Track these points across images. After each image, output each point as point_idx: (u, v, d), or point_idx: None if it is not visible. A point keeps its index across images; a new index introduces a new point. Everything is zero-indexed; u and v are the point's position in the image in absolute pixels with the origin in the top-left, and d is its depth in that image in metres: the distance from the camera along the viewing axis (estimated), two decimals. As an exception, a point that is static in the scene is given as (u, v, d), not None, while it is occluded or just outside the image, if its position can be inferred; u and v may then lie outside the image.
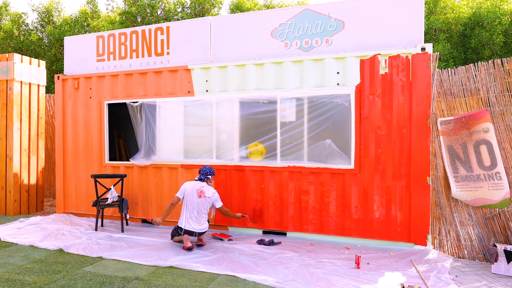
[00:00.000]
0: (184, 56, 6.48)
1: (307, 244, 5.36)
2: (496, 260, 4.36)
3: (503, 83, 4.92)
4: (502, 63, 4.94)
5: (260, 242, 5.38)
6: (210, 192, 5.28)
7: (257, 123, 5.94)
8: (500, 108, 4.93)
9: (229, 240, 5.54)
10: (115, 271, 4.30)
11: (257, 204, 5.94)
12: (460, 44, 11.02)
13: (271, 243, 5.33)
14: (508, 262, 4.28)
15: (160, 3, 13.82)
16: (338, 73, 5.50)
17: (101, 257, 4.80)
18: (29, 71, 7.69)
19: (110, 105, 7.08)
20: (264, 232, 5.95)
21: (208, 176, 5.40)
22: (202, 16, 13.52)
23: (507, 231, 4.81)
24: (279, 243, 5.39)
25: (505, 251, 4.32)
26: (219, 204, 5.36)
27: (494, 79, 4.98)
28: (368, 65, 5.34)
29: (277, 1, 13.89)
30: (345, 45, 5.57)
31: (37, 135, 7.96)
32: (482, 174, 4.95)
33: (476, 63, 5.09)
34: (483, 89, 5.03)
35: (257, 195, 5.94)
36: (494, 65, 4.98)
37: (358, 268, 4.36)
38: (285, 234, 5.84)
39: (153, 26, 6.74)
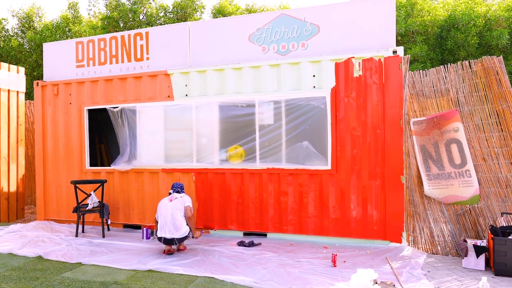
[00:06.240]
0: (164, 61, 6.52)
1: (287, 245, 5.45)
2: (466, 255, 4.52)
3: (471, 84, 5.11)
4: (469, 65, 5.13)
5: (241, 243, 5.45)
6: (180, 195, 5.20)
7: (237, 126, 6.02)
8: (469, 108, 5.11)
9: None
10: (94, 276, 4.31)
11: (238, 206, 6.01)
12: (437, 46, 11.30)
13: (251, 244, 5.40)
14: (477, 256, 4.44)
15: (142, 8, 13.81)
16: (314, 76, 5.62)
17: (80, 263, 4.80)
18: (7, 78, 7.63)
19: (90, 111, 7.07)
20: (245, 234, 6.02)
21: (184, 191, 5.35)
22: (184, 21, 13.56)
23: (477, 227, 4.98)
24: (259, 244, 5.46)
25: (475, 246, 4.47)
26: (187, 203, 5.08)
27: (463, 80, 5.17)
28: (342, 68, 5.48)
29: (259, 5, 14.05)
30: (321, 49, 5.69)
31: (17, 142, 7.88)
32: (453, 172, 5.12)
33: (446, 65, 5.28)
34: (452, 90, 5.21)
35: (238, 197, 6.01)
36: (462, 67, 5.17)
37: (335, 266, 4.47)
38: (265, 235, 5.92)
39: (132, 32, 6.77)
